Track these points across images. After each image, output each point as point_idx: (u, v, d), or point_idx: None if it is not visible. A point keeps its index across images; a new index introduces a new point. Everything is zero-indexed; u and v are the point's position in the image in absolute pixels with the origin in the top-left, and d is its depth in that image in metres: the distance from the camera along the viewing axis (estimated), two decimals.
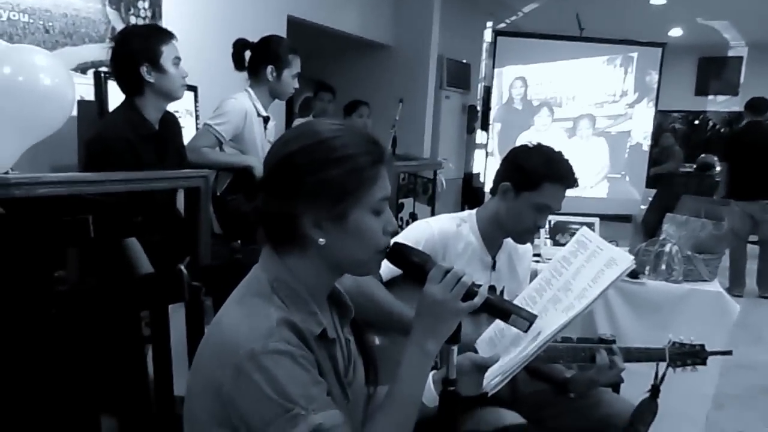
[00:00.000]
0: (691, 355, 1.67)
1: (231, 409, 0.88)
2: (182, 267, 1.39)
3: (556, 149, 1.70)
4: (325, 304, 1.05)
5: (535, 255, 2.86)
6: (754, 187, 4.95)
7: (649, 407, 1.61)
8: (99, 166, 1.81)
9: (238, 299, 0.97)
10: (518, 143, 1.80)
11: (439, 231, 1.69)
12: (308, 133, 0.96)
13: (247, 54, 2.60)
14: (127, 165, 1.85)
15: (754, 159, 4.96)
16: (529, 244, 1.89)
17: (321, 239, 0.94)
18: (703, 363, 1.68)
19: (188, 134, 2.67)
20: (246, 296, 0.96)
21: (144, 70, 2.00)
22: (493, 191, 1.76)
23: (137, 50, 1.99)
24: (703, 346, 1.69)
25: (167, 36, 2.05)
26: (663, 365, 1.66)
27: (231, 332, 0.91)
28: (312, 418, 0.86)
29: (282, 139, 1.00)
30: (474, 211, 1.79)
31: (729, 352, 1.74)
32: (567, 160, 1.68)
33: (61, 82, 1.88)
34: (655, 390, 1.63)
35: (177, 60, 2.07)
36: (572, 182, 1.66)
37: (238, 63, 2.60)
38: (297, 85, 2.64)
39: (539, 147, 1.72)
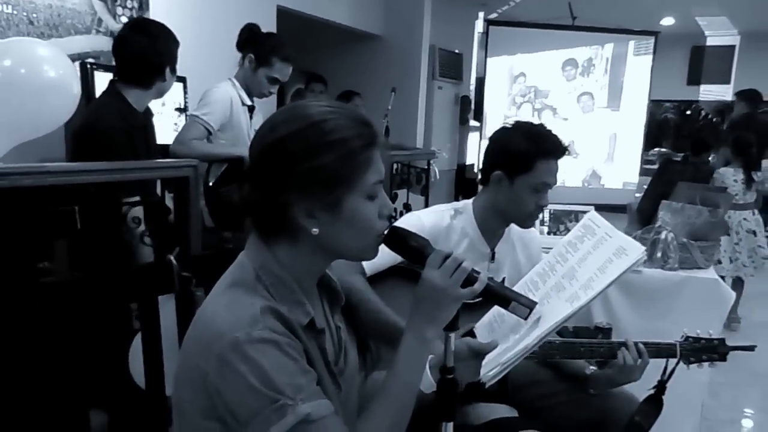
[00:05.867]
0: (707, 350, 1.58)
1: (217, 400, 0.85)
2: (172, 257, 1.36)
3: (535, 122, 1.65)
4: (314, 292, 1.02)
5: None
6: None
7: (653, 403, 1.56)
8: (94, 157, 1.79)
9: (222, 289, 0.94)
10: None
11: (430, 225, 1.63)
12: (298, 117, 0.92)
13: None
14: (123, 155, 1.84)
15: None
16: (537, 233, 1.84)
17: (314, 229, 0.91)
18: (723, 359, 1.59)
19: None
20: (230, 286, 0.93)
21: (168, 70, 2.14)
22: (483, 181, 1.69)
23: (170, 51, 2.14)
24: (723, 340, 1.59)
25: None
26: (673, 360, 1.58)
27: (214, 322, 0.88)
28: (300, 408, 0.83)
29: (269, 122, 0.95)
30: (470, 201, 1.73)
31: (752, 348, 1.63)
32: (550, 131, 1.61)
33: (66, 75, 1.83)
34: (661, 386, 1.57)
35: None
36: (562, 152, 1.60)
37: (240, 45, 2.59)
38: (272, 90, 2.62)
39: (519, 125, 1.65)
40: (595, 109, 5.31)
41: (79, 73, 2.70)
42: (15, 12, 2.72)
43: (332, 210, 0.91)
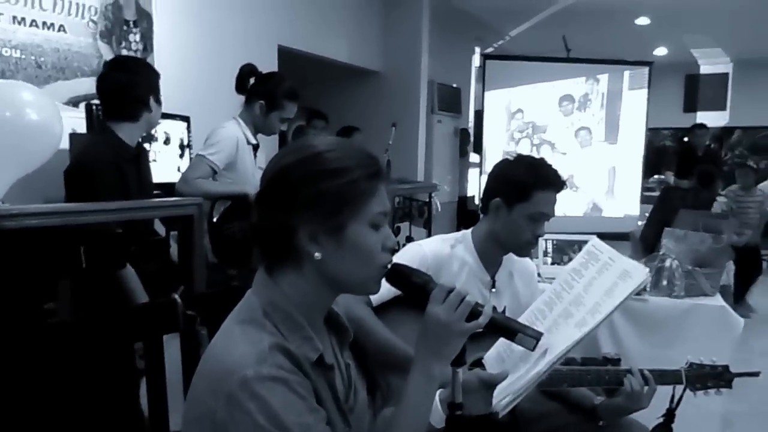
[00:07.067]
0: (713, 377, 1.58)
1: None
2: (176, 296, 1.35)
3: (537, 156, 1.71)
4: (322, 328, 1.01)
5: None
6: None
7: None
8: (85, 193, 1.81)
9: (230, 326, 0.94)
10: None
11: (432, 253, 1.66)
12: (305, 147, 0.96)
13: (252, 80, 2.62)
14: (113, 188, 1.85)
15: None
16: (533, 264, 1.86)
17: (317, 253, 0.91)
18: (728, 386, 1.59)
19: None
20: (238, 323, 0.93)
21: (152, 100, 2.13)
22: (483, 210, 1.74)
23: (150, 81, 2.15)
24: (726, 367, 1.60)
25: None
26: (680, 388, 1.58)
27: (223, 359, 0.88)
28: None
29: (279, 154, 0.99)
30: (469, 231, 1.76)
31: (756, 374, 1.63)
32: (550, 165, 1.66)
33: (48, 117, 1.89)
34: (670, 414, 1.56)
35: None
36: (561, 185, 1.65)
37: (240, 87, 2.60)
38: (283, 128, 2.67)
39: (521, 157, 1.72)
40: (593, 143, 5.36)
41: (84, 115, 2.75)
42: (23, 56, 2.78)
43: (335, 235, 0.91)
